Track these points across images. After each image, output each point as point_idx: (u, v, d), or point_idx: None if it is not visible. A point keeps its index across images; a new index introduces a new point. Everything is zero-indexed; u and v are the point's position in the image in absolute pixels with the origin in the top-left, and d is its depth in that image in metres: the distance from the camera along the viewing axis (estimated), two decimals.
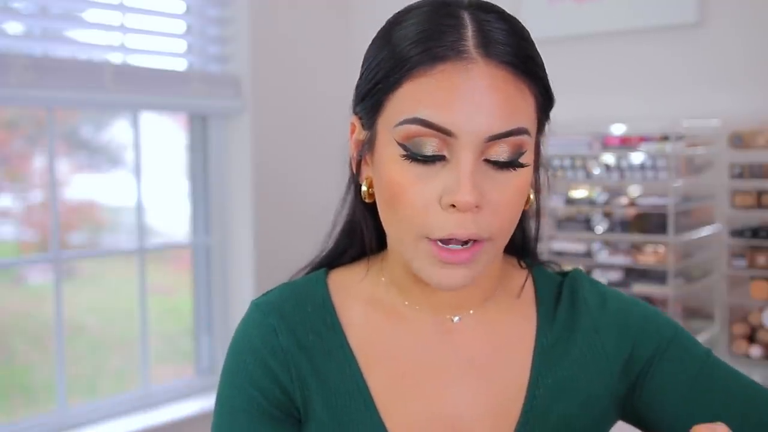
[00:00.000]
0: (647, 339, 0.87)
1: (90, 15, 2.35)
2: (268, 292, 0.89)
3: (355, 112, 0.82)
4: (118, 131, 2.59)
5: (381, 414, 0.82)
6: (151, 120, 2.54)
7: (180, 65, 2.54)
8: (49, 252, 2.23)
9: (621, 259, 2.17)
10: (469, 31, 0.73)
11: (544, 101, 0.78)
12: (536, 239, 0.89)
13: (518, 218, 0.78)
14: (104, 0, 2.32)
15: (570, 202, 2.26)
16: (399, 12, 0.79)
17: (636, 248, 2.19)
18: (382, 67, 0.76)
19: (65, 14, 2.29)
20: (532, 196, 0.81)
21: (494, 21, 0.75)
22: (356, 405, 0.82)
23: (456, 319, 0.86)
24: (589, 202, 2.23)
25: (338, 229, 0.91)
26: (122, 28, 2.34)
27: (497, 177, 0.74)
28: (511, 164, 0.74)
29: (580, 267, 2.21)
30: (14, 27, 2.18)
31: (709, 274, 2.25)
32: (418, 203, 0.74)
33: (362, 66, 0.81)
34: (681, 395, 0.85)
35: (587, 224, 2.23)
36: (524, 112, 0.74)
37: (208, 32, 2.57)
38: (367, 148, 0.80)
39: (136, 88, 2.29)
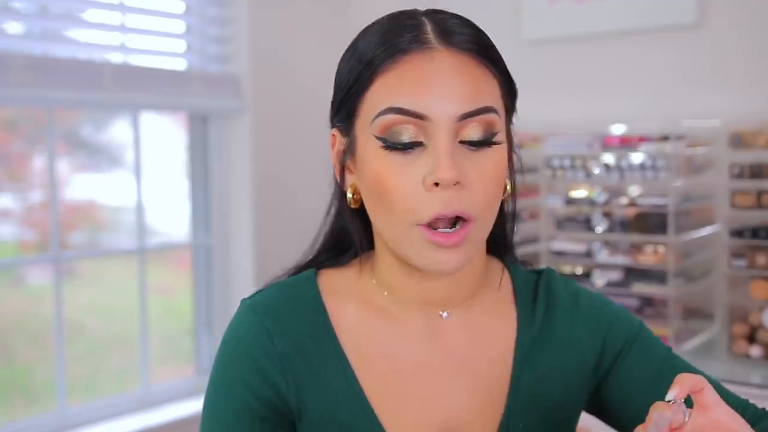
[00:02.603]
0: (617, 335, 0.92)
1: (90, 15, 2.35)
2: (258, 291, 0.91)
3: (334, 125, 0.87)
4: (118, 131, 2.59)
5: (378, 415, 0.83)
6: (151, 120, 2.54)
7: (180, 65, 2.54)
8: (49, 252, 2.23)
9: (621, 259, 2.17)
10: (428, 26, 0.79)
11: (508, 86, 0.83)
12: (512, 233, 0.92)
13: (498, 201, 0.81)
14: (104, 0, 2.33)
15: (570, 202, 2.26)
16: (362, 30, 0.85)
17: (636, 248, 2.19)
18: (352, 74, 0.81)
19: (65, 14, 2.29)
20: (508, 187, 0.85)
21: (449, 17, 0.81)
22: (353, 407, 0.83)
23: (444, 314, 0.87)
24: (589, 202, 2.23)
25: (326, 234, 0.93)
26: (122, 28, 2.34)
27: (474, 157, 0.78)
28: (485, 142, 0.78)
29: (579, 267, 2.22)
30: (14, 27, 2.18)
31: (709, 274, 2.25)
32: (403, 189, 0.77)
33: (335, 82, 0.86)
34: (644, 388, 0.90)
35: (587, 224, 2.23)
36: (490, 93, 0.79)
37: (208, 32, 2.57)
38: (348, 154, 0.84)
39: (136, 88, 2.29)
